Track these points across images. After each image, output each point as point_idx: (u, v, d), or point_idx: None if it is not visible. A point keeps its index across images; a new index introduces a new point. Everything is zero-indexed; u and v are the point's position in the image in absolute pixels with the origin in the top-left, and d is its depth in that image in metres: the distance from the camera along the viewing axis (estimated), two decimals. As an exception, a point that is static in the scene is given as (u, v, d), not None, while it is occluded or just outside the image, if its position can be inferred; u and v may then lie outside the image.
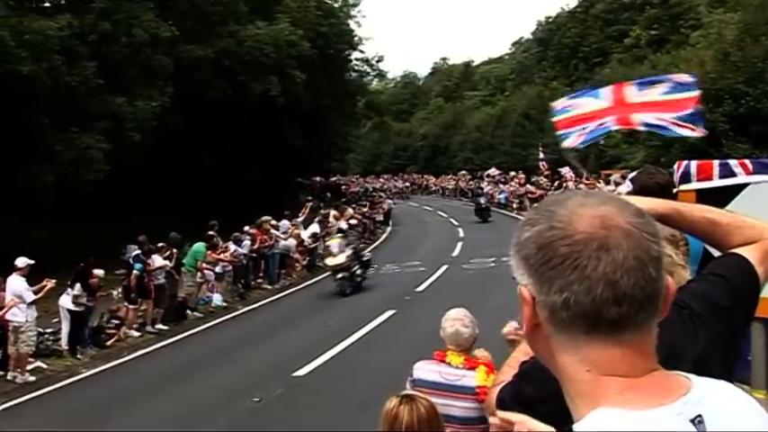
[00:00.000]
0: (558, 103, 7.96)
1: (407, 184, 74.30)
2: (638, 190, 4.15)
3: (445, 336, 5.10)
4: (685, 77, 7.37)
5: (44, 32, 21.50)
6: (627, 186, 5.32)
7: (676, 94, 7.06)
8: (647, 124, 7.16)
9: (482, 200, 40.40)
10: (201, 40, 30.31)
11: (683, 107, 6.98)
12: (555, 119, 7.65)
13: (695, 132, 7.02)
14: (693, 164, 5.05)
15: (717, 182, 4.92)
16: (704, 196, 4.67)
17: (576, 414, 1.20)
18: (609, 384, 1.16)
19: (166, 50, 27.67)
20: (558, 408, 1.84)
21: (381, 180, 74.21)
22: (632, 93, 7.28)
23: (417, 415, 3.55)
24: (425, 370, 5.07)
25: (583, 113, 7.36)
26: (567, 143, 7.31)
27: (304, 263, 25.59)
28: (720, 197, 4.47)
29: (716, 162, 5.12)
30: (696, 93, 7.04)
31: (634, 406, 1.13)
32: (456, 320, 5.11)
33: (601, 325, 1.15)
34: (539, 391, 1.84)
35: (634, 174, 5.02)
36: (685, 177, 5.03)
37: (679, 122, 6.92)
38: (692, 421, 1.13)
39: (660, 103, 7.10)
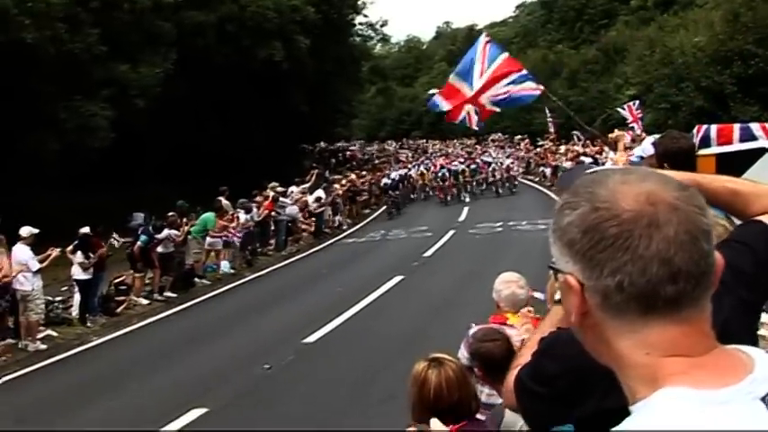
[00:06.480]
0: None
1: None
2: (662, 154, 4.08)
3: (501, 299, 5.05)
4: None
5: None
6: (644, 151, 5.24)
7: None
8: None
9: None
10: (204, 6, 30.13)
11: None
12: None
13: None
14: (714, 128, 4.96)
15: (737, 146, 4.84)
16: (724, 161, 4.60)
17: (634, 396, 1.14)
18: (672, 365, 1.11)
19: (169, 16, 27.52)
20: (576, 383, 1.80)
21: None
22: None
23: (446, 378, 3.51)
24: None
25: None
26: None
27: (311, 229, 25.60)
28: (740, 162, 4.41)
29: (736, 126, 5.05)
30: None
31: (702, 385, 1.08)
32: (511, 282, 5.08)
33: (657, 304, 1.11)
34: (561, 366, 1.82)
35: (657, 138, 4.95)
36: (705, 141, 4.95)
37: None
38: (763, 400, 1.09)
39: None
